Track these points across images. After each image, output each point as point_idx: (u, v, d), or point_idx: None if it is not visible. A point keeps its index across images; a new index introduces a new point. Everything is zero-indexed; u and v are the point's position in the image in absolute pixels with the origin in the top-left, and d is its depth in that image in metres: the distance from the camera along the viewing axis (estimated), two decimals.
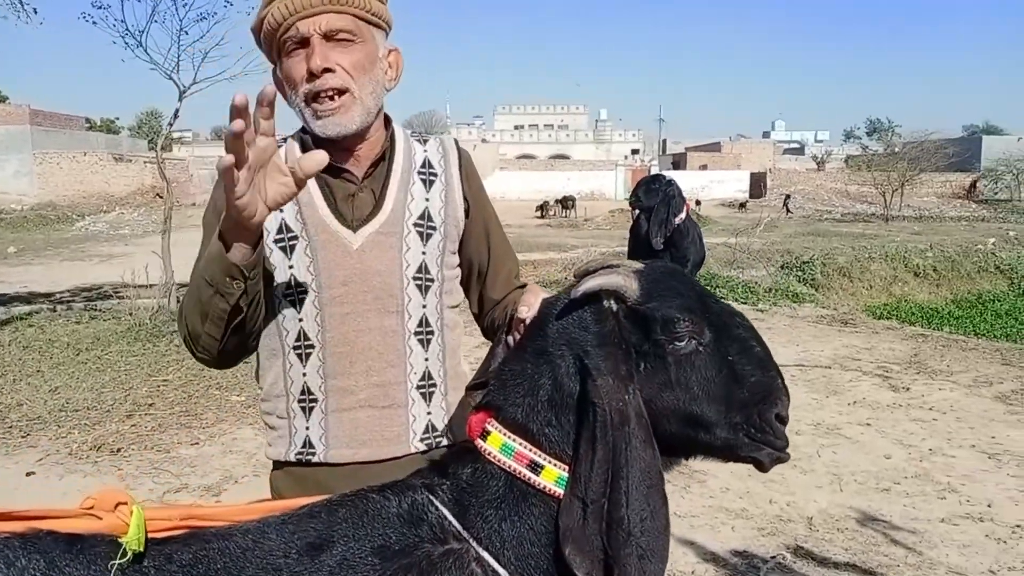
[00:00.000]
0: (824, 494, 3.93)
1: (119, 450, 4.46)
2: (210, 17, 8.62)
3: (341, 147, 1.39)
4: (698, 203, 32.71)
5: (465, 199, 1.50)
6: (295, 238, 1.38)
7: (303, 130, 1.44)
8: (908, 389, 5.55)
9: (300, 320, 1.39)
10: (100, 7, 8.23)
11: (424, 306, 1.44)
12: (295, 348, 1.40)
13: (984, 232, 24.88)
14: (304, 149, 1.42)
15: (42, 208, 32.15)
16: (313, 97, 1.32)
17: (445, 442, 1.46)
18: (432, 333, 1.46)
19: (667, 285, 1.08)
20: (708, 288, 1.19)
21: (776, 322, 8.11)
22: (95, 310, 8.76)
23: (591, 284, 1.05)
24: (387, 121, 1.49)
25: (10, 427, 4.82)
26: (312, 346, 1.39)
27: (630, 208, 6.39)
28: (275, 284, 1.39)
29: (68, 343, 6.94)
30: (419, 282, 1.42)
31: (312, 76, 1.31)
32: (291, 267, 1.38)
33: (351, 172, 1.41)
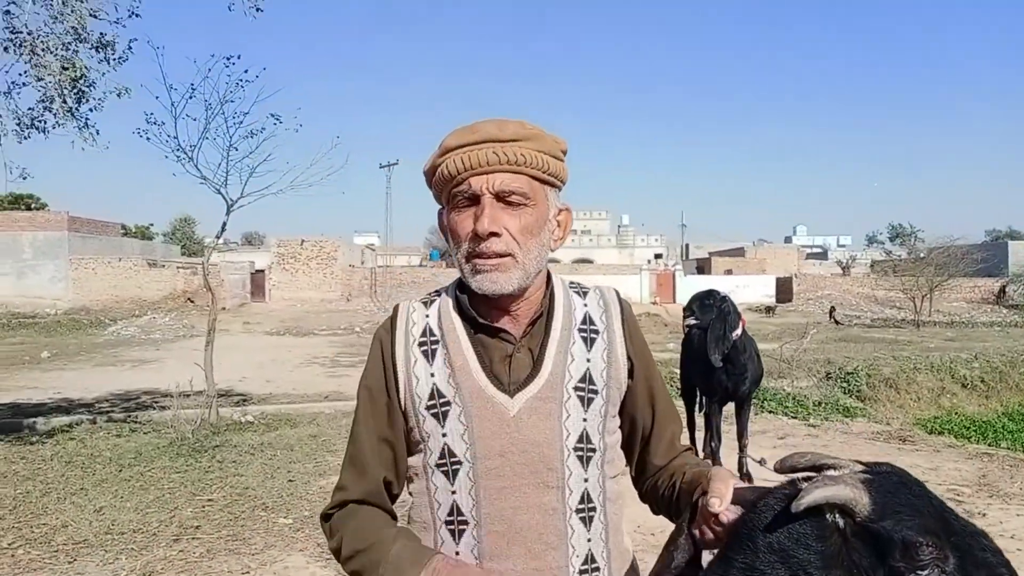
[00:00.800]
0: None
1: None
2: (259, 133, 8.85)
3: (498, 305, 1.34)
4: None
5: (629, 358, 1.39)
6: (448, 404, 1.30)
7: (459, 284, 1.39)
8: (984, 515, 5.29)
9: (453, 493, 1.30)
10: (154, 123, 8.50)
11: (586, 480, 1.31)
12: (447, 523, 1.31)
13: (1020, 338, 24.45)
14: (459, 308, 1.37)
15: (75, 312, 32.71)
16: (475, 254, 1.28)
17: None
18: (595, 509, 1.32)
19: (903, 499, 0.96)
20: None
21: (830, 439, 7.86)
22: (135, 422, 8.70)
23: (815, 497, 0.95)
24: (548, 276, 1.42)
25: (56, 551, 4.68)
26: (466, 522, 1.29)
27: (683, 322, 6.32)
28: (428, 453, 1.32)
29: (111, 458, 6.84)
30: (580, 453, 1.31)
31: (477, 237, 1.27)
32: (444, 435, 1.30)
33: (508, 332, 1.34)
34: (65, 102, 5.74)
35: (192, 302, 36.73)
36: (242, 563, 4.53)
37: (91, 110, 6.17)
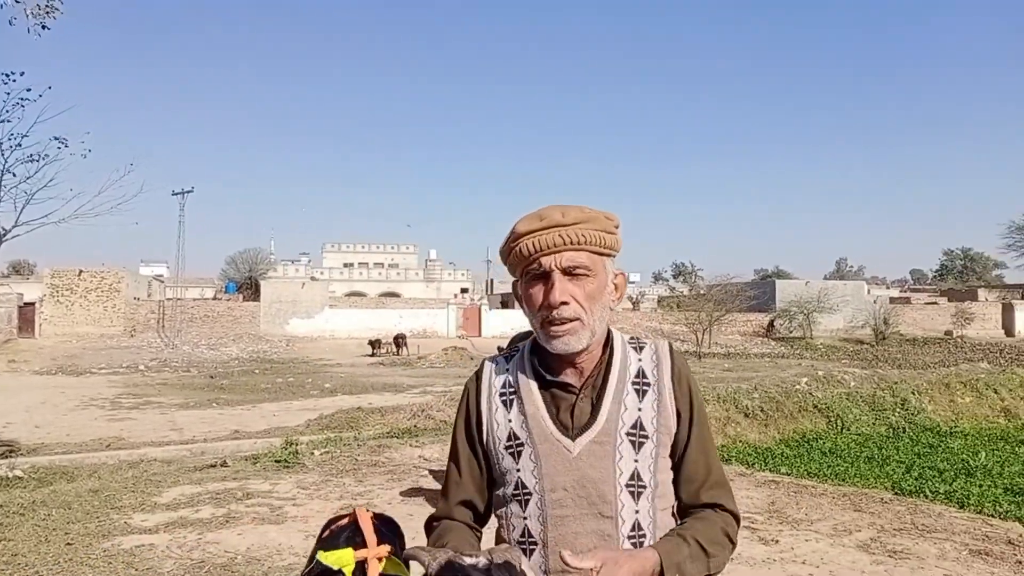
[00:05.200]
0: None
1: None
2: (40, 159, 7.96)
3: (566, 359, 1.57)
4: None
5: (677, 408, 1.59)
6: (521, 445, 1.58)
7: (532, 345, 1.65)
8: (777, 542, 5.67)
9: (525, 518, 1.57)
10: None
11: (637, 511, 1.53)
12: (519, 543, 1.58)
13: (786, 367, 27.06)
14: (532, 366, 1.63)
15: None
16: (548, 321, 1.52)
17: None
18: (645, 537, 1.53)
19: None
20: None
21: None
22: None
23: None
24: (608, 333, 1.65)
25: None
26: (535, 543, 1.56)
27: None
28: (506, 486, 1.60)
29: None
30: (632, 489, 1.53)
31: (550, 306, 1.51)
32: (519, 471, 1.58)
33: (572, 385, 1.58)
34: None
35: None
36: None
37: None
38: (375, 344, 36.46)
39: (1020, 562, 5.18)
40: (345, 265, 74.34)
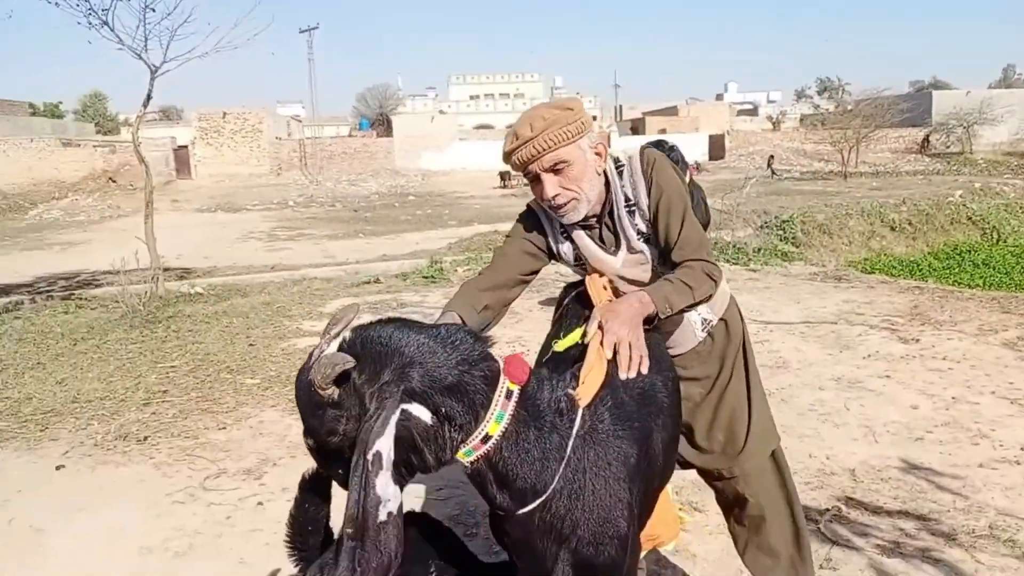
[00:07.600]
0: (861, 446, 3.98)
1: (146, 438, 4.34)
2: None
3: None
4: (697, 166, 33.02)
5: (650, 203, 1.98)
6: (584, 262, 2.10)
7: None
8: (918, 340, 5.66)
9: None
10: None
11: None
12: None
13: (941, 185, 25.37)
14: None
15: None
16: (551, 207, 1.95)
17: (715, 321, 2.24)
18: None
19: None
20: None
21: (772, 281, 8.18)
22: (81, 299, 8.52)
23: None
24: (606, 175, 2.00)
25: (25, 421, 4.67)
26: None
27: None
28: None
29: (63, 333, 6.73)
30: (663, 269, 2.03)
31: (546, 199, 1.93)
32: (585, 273, 2.11)
33: (593, 223, 2.04)
34: None
35: (114, 182, 35.32)
36: (217, 420, 4.61)
37: None
38: (505, 176, 36.75)
39: None
40: (471, 97, 73.97)
